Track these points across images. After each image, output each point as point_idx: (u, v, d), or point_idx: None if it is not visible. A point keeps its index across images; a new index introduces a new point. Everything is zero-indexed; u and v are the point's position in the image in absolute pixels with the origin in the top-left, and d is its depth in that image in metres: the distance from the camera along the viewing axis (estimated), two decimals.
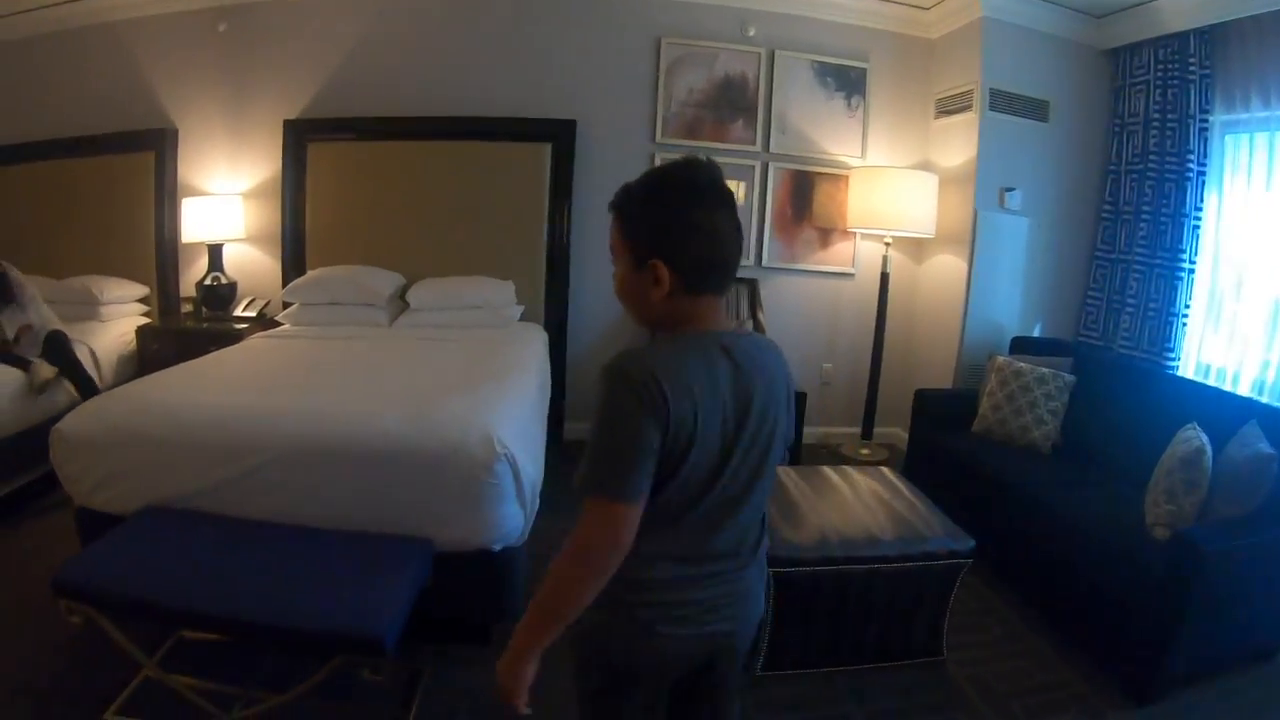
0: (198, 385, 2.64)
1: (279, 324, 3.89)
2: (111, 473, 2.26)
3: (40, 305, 3.59)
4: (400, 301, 4.00)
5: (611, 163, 4.11)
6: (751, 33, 4.18)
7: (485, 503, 2.11)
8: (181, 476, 2.20)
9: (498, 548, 2.18)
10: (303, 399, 2.44)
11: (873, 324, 4.24)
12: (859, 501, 2.53)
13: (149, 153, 4.33)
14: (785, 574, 2.19)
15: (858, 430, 4.37)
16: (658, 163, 3.70)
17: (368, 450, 2.14)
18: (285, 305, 3.98)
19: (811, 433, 4.47)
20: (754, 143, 4.25)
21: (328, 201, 4.26)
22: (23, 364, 3.29)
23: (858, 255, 4.43)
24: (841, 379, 4.54)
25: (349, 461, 2.14)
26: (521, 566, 2.31)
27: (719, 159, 3.31)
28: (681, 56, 4.17)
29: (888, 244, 4.13)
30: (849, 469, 2.82)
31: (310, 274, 4.07)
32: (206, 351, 3.32)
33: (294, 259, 4.27)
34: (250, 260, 4.39)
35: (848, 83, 4.27)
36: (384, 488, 2.14)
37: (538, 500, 2.42)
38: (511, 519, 2.18)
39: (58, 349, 3.43)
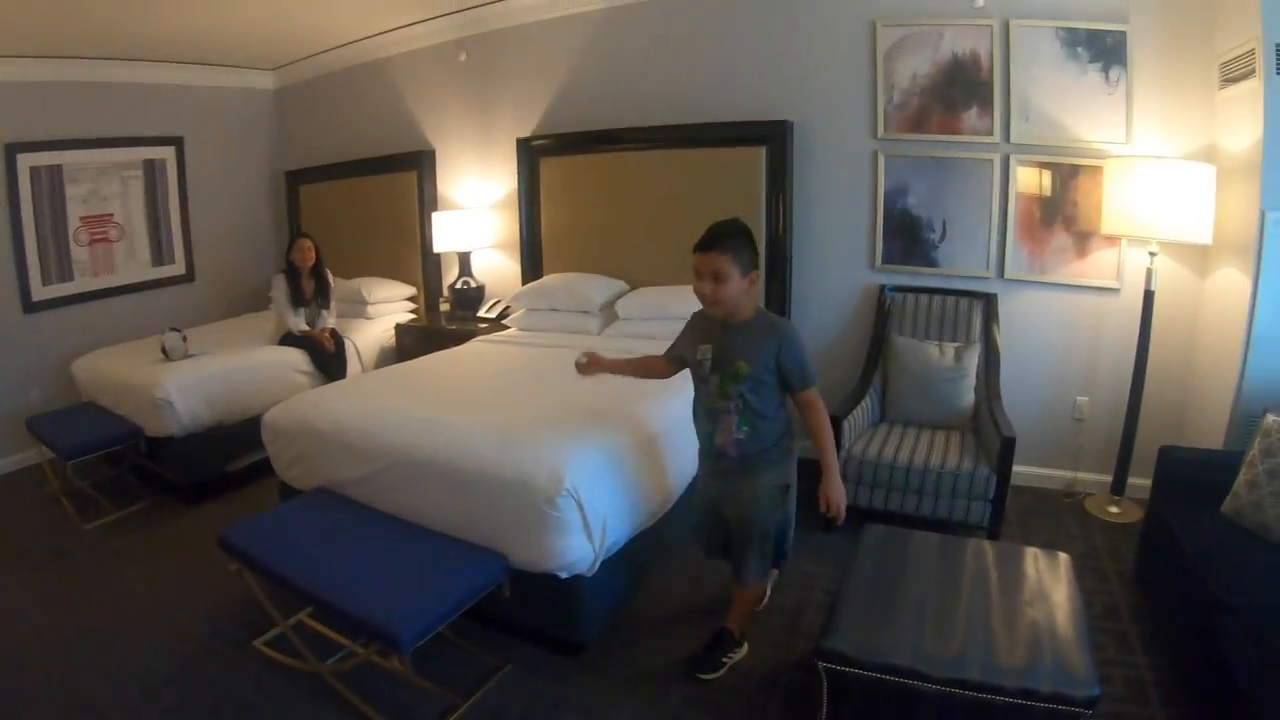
0: (377, 388, 3.76)
1: (507, 327, 5.01)
2: (298, 455, 3.48)
3: (335, 309, 5.27)
4: (613, 310, 4.80)
5: (829, 164, 4.45)
6: (980, 3, 3.99)
7: (549, 532, 2.59)
8: (338, 466, 3.25)
9: (564, 575, 2.66)
10: (430, 411, 3.22)
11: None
12: (986, 595, 2.35)
13: (413, 171, 5.80)
14: (837, 674, 2.11)
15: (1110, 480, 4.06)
16: (881, 164, 4.31)
17: (454, 467, 2.79)
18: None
19: (1055, 477, 4.27)
20: (991, 133, 4.09)
21: (558, 211, 5.27)
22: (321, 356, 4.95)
23: (1124, 266, 4.00)
24: (1100, 417, 4.14)
25: (442, 474, 2.82)
26: (594, 594, 2.77)
27: (951, 154, 4.15)
28: (901, 39, 4.19)
29: (1152, 253, 3.74)
30: (1021, 549, 2.69)
31: (536, 281, 5.13)
32: (445, 348, 4.65)
33: (532, 264, 5.40)
34: (498, 265, 5.65)
35: (1104, 51, 3.85)
36: (467, 502, 2.76)
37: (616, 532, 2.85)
38: (576, 551, 2.62)
39: (339, 349, 5.07)
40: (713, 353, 2.53)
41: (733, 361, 2.50)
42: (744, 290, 2.47)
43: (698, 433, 2.73)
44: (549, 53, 5.19)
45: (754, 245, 2.50)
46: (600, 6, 4.97)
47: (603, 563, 2.75)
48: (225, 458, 4.71)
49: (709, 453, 2.70)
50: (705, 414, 2.65)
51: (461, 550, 2.74)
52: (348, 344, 5.22)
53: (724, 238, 2.44)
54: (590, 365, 2.91)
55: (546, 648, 2.94)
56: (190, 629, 3.25)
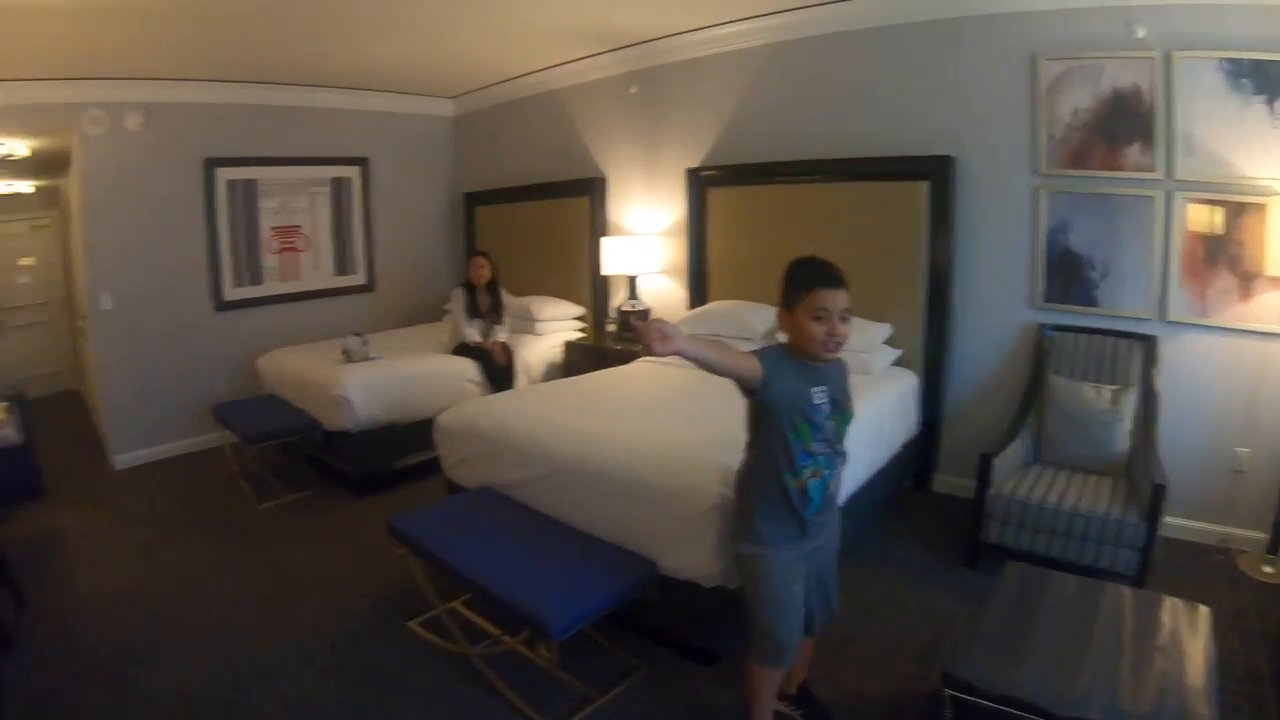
0: (543, 398, 4.16)
1: None
2: (465, 456, 3.94)
3: (509, 324, 5.83)
4: (775, 339, 5.18)
5: (990, 200, 4.55)
6: (1141, 34, 4.03)
7: (698, 543, 2.82)
8: (502, 469, 3.66)
9: (708, 585, 2.85)
10: (593, 423, 3.60)
11: None
12: (1118, 639, 2.42)
13: (585, 197, 6.37)
14: (962, 702, 2.25)
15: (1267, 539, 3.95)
16: (1042, 201, 4.45)
17: (613, 477, 3.12)
18: None
19: (1209, 531, 4.21)
20: (1153, 169, 4.10)
21: (724, 240, 5.66)
22: (491, 367, 5.52)
23: None
24: (1261, 470, 4.03)
25: (601, 482, 3.15)
26: (735, 608, 2.71)
27: (1113, 190, 4.28)
28: (1062, 73, 4.29)
29: None
30: (1161, 598, 2.70)
31: (702, 308, 5.51)
32: (609, 367, 5.10)
33: (698, 291, 5.81)
34: (665, 290, 6.09)
35: (1269, 82, 3.81)
36: (623, 509, 3.07)
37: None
38: (722, 562, 2.79)
39: (509, 361, 5.61)
40: (829, 396, 2.33)
41: (844, 405, 2.41)
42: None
43: (787, 491, 2.35)
44: (716, 86, 5.65)
45: None
46: (765, 42, 5.37)
47: None
48: (395, 455, 5.29)
49: (804, 512, 2.38)
50: (813, 464, 2.36)
51: (614, 553, 3.02)
52: (517, 357, 5.77)
53: (840, 275, 2.31)
54: (664, 341, 2.01)
55: (683, 655, 3.18)
56: (351, 605, 3.73)
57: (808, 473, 2.36)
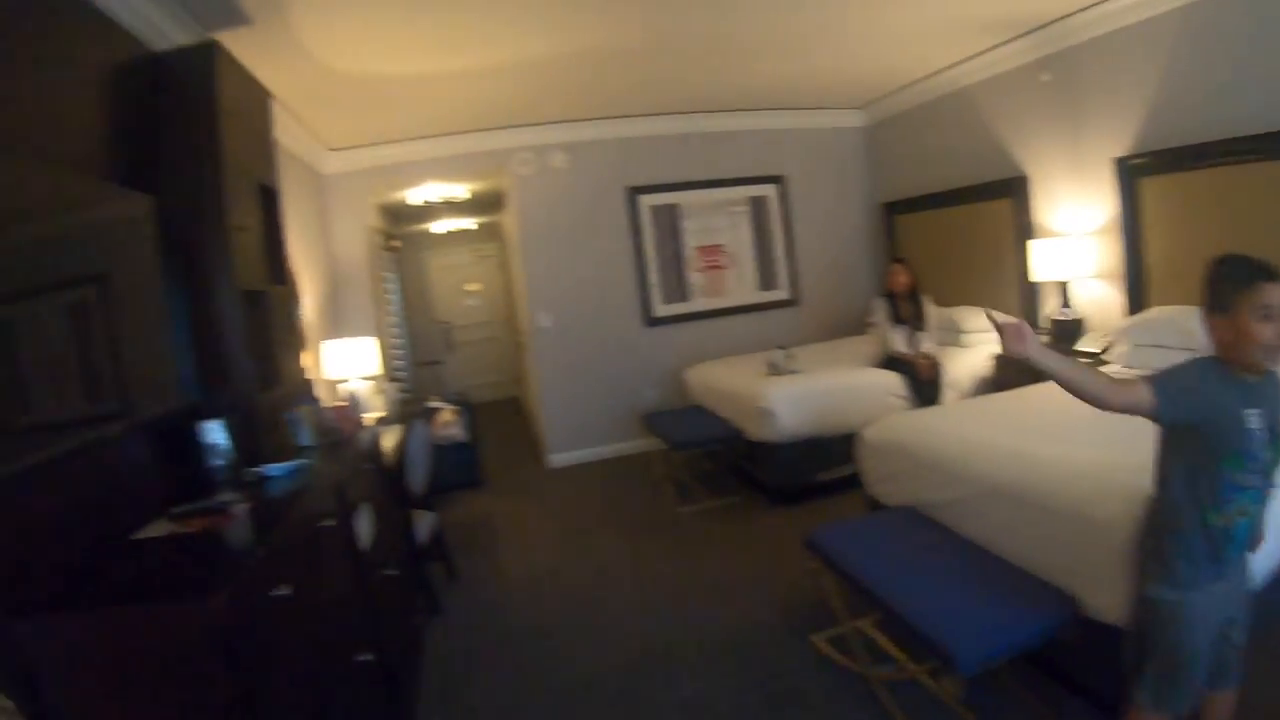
0: (971, 415, 4.00)
1: (1106, 362, 4.91)
2: (888, 473, 3.89)
3: (934, 335, 5.75)
4: None
5: None
6: None
7: (1128, 581, 2.44)
8: (926, 487, 3.56)
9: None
10: (1023, 443, 3.35)
11: None
12: None
13: (1006, 199, 6.10)
14: None
15: None
16: None
17: (1041, 502, 2.89)
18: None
19: None
20: None
21: (1162, 236, 5.08)
22: (917, 380, 5.46)
23: None
24: None
25: (1028, 507, 2.93)
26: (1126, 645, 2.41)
27: None
28: None
29: None
30: None
31: (1142, 314, 4.98)
32: (1041, 381, 4.73)
33: (1135, 296, 5.24)
34: (1099, 295, 5.58)
35: None
36: (1049, 538, 2.83)
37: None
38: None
39: (935, 374, 5.52)
40: (1263, 418, 2.06)
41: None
42: None
43: (1209, 529, 2.11)
44: (1134, 61, 5.05)
45: None
46: (1180, 4, 4.67)
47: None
48: (816, 467, 5.42)
49: (1225, 552, 2.14)
50: (1241, 499, 2.10)
51: (1036, 586, 2.78)
52: (944, 372, 5.65)
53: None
54: (1019, 341, 2.10)
55: (1100, 708, 2.83)
56: (758, 613, 3.87)
57: (1234, 509, 2.10)
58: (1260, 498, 2.13)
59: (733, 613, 3.91)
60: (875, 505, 4.10)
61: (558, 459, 7.14)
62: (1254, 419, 2.05)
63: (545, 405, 7.17)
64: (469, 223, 10.28)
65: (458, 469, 6.56)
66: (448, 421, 6.54)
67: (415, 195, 7.63)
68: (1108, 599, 2.60)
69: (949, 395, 5.58)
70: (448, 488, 6.30)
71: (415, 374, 9.15)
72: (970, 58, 6.20)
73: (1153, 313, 4.91)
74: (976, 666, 2.43)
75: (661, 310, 7.25)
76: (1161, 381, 2.08)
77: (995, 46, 5.93)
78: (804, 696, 3.14)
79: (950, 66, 6.42)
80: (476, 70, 4.91)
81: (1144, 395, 2.06)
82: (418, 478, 4.33)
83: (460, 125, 6.47)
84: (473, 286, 11.43)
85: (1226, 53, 4.51)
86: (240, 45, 3.24)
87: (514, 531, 5.53)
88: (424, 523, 4.36)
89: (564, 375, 7.09)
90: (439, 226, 10.25)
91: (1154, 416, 2.08)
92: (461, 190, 7.84)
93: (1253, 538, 2.18)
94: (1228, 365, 2.08)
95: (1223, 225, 4.62)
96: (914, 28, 5.27)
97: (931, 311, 5.88)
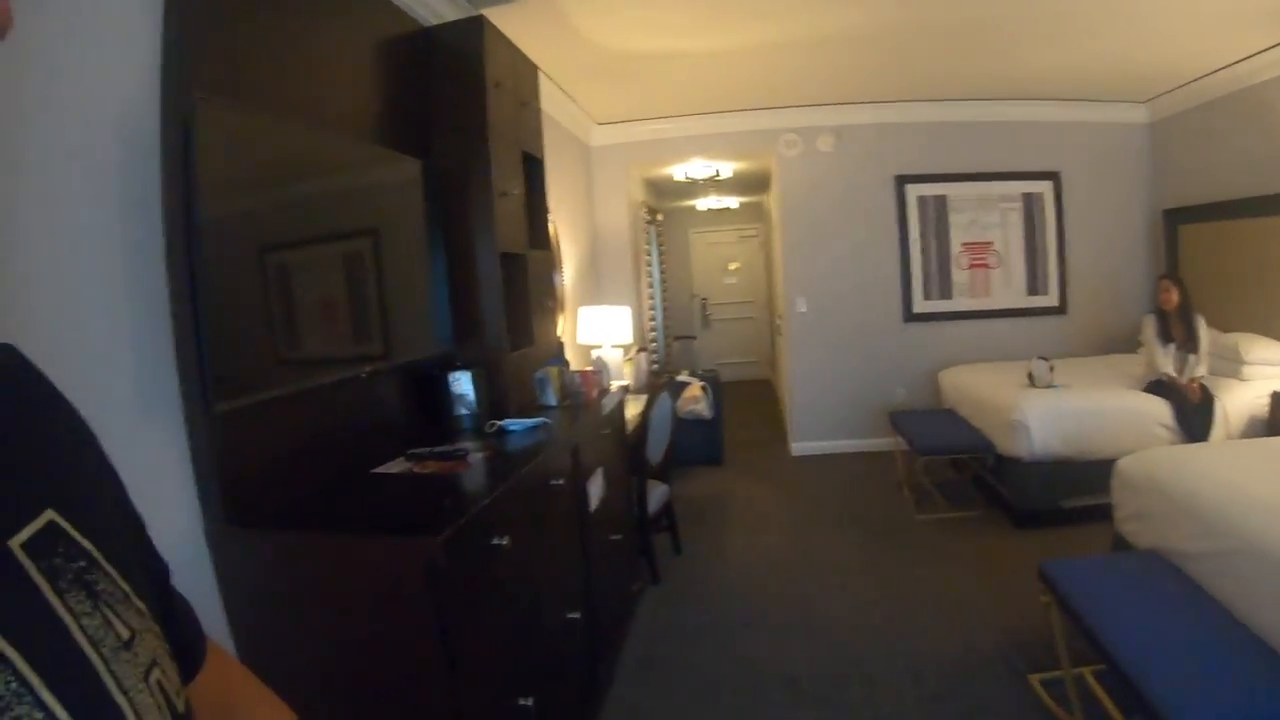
0: (1241, 459, 3.50)
1: None
2: (1140, 510, 3.46)
3: (1205, 359, 5.11)
4: None
5: None
6: None
7: None
8: (1178, 534, 3.12)
9: None
10: None
11: None
12: None
13: None
14: None
15: None
16: None
17: None
18: None
19: None
20: None
21: None
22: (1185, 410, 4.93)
23: None
24: None
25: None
26: None
27: None
28: None
29: None
30: None
31: None
32: None
33: None
34: None
35: None
36: None
37: None
38: None
39: (1206, 403, 4.94)
40: None
41: None
42: None
43: None
44: None
45: None
46: None
47: None
48: (1065, 492, 5.03)
49: None
50: None
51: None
52: (1216, 403, 5.06)
53: None
54: None
55: None
56: (975, 638, 3.62)
57: None
58: None
59: (951, 634, 3.72)
60: (1120, 544, 3.74)
61: (800, 447, 7.10)
62: None
63: (794, 391, 7.14)
64: (732, 201, 10.38)
65: (699, 445, 6.66)
66: (694, 397, 6.65)
67: (679, 171, 7.78)
68: None
69: (1219, 432, 4.95)
70: (686, 462, 6.44)
71: (668, 347, 9.38)
72: (1265, 50, 5.43)
73: None
74: None
75: (921, 306, 6.96)
76: None
77: None
78: None
79: (1248, 57, 5.62)
80: (741, 49, 4.92)
81: None
82: (656, 449, 4.45)
83: (725, 104, 6.50)
84: (733, 265, 11.55)
85: None
86: (508, 21, 3.41)
87: (745, 514, 5.57)
88: (656, 493, 4.48)
89: (815, 363, 7.01)
90: (702, 203, 10.41)
91: None
92: (725, 168, 7.90)
93: None
94: None
95: None
96: (1210, 13, 4.68)
97: (1205, 334, 5.17)
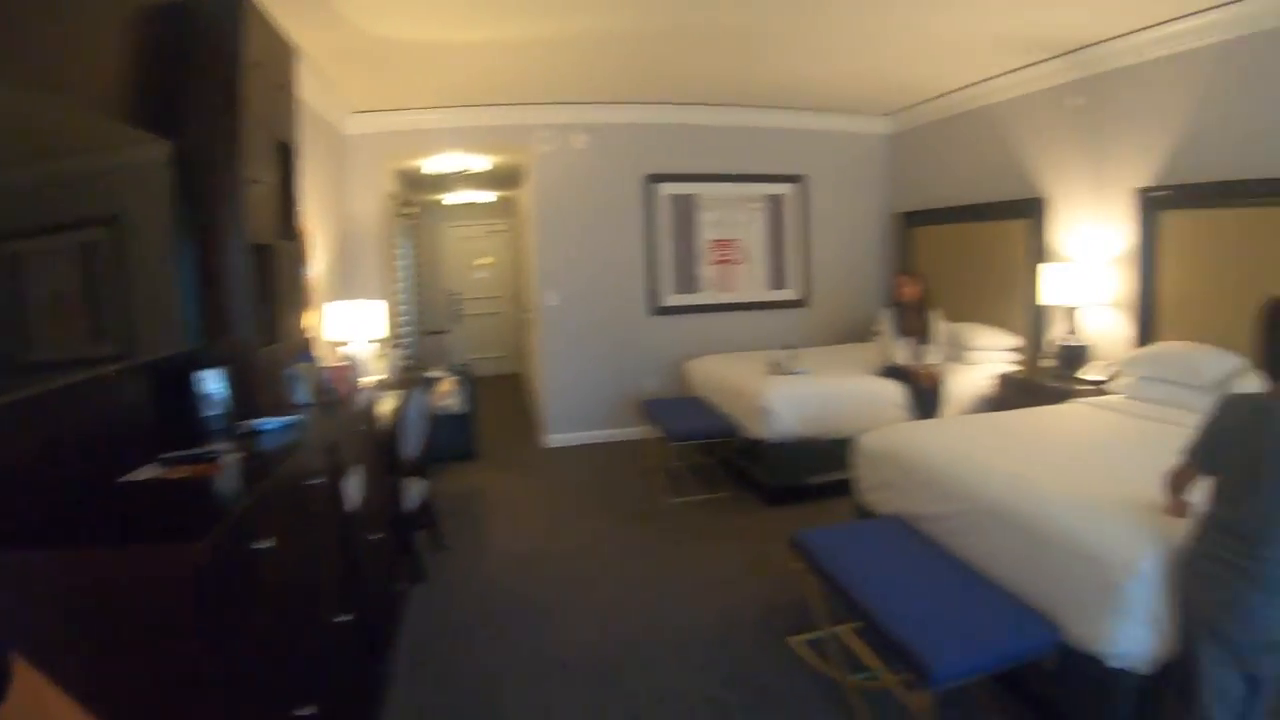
0: (969, 432, 3.99)
1: (1107, 392, 4.93)
2: (880, 481, 3.90)
3: (941, 349, 5.74)
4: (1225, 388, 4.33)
5: None
6: None
7: (1111, 613, 2.50)
8: (916, 500, 3.57)
9: (1111, 664, 2.53)
10: (1018, 465, 3.34)
11: None
12: None
13: (1022, 220, 6.07)
14: None
15: None
16: None
17: (1029, 526, 2.88)
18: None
19: None
20: None
21: (1178, 271, 5.03)
22: (917, 391, 5.48)
23: None
24: None
25: (1016, 530, 2.94)
26: (1145, 695, 2.55)
27: None
28: None
29: None
30: None
31: (1150, 347, 4.97)
32: (1040, 404, 4.84)
33: (1146, 328, 5.20)
34: (1107, 324, 5.56)
35: None
36: (1034, 562, 2.83)
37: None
38: (1135, 642, 2.49)
39: (936, 387, 5.52)
40: None
41: None
42: None
43: (1257, 576, 2.10)
44: (1166, 93, 5.03)
45: None
46: (1219, 39, 4.66)
47: (1167, 665, 2.53)
48: (810, 470, 5.44)
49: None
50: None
51: (1017, 608, 2.78)
52: (944, 385, 5.65)
53: None
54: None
55: None
56: (738, 610, 3.88)
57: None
58: None
59: (714, 607, 3.92)
60: (865, 513, 4.11)
61: (554, 439, 7.17)
62: None
63: (545, 384, 7.19)
64: (486, 195, 10.28)
65: (453, 440, 6.60)
66: (447, 391, 6.56)
67: (434, 164, 7.63)
68: (1092, 629, 2.59)
69: (949, 410, 5.57)
70: (442, 458, 6.33)
71: (420, 342, 9.18)
72: (1001, 75, 6.17)
73: (1161, 347, 4.90)
74: (949, 681, 2.44)
75: (670, 299, 7.27)
76: (1188, 453, 2.30)
77: (1027, 66, 5.91)
78: (776, 697, 3.15)
79: (980, 82, 6.40)
80: (504, 43, 4.90)
81: (1190, 473, 2.33)
82: (411, 445, 4.34)
83: (484, 97, 6.47)
84: (484, 260, 11.47)
85: (1260, 94, 4.49)
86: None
87: (504, 507, 5.58)
88: (414, 490, 4.37)
89: (566, 356, 7.11)
90: (456, 197, 10.25)
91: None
92: (481, 162, 7.84)
93: None
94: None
95: (1242, 266, 4.60)
96: (949, 40, 5.24)
97: (939, 325, 5.85)
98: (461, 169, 7.73)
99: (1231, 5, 4.45)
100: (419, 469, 4.62)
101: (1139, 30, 4.99)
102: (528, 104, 6.73)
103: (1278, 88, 4.41)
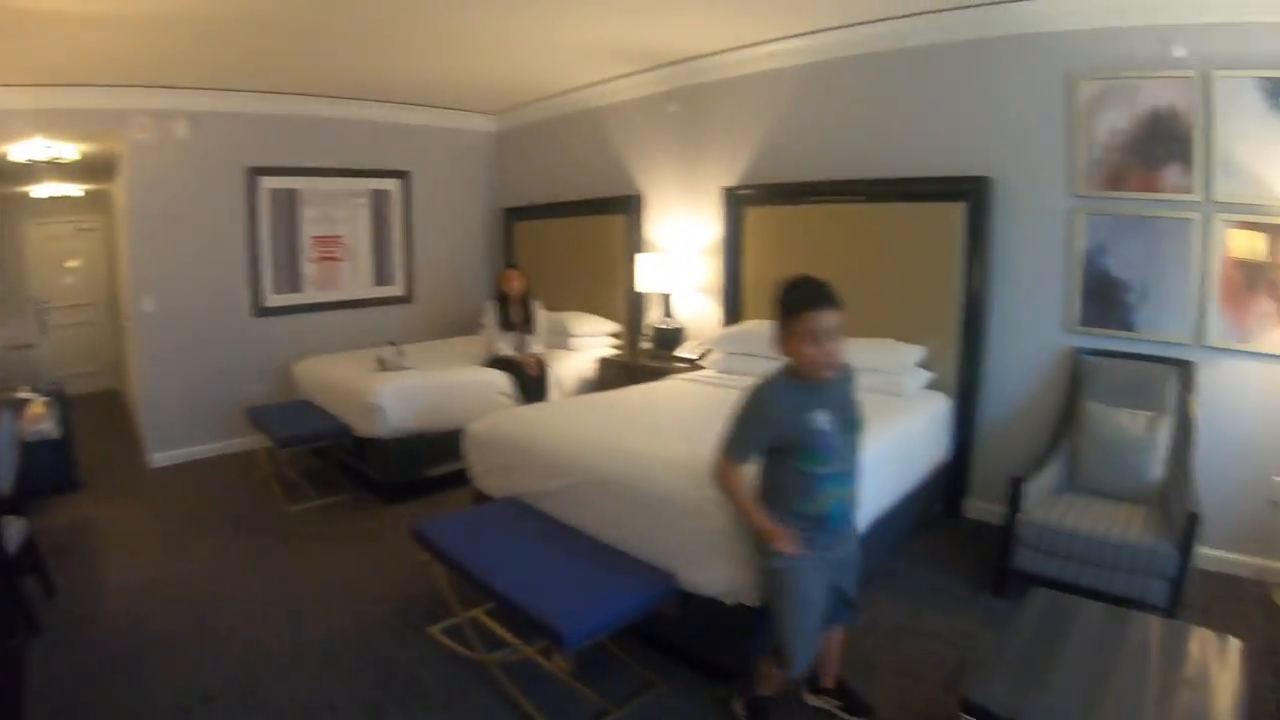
0: (574, 411, 4.20)
1: (703, 368, 5.43)
2: (494, 465, 4.01)
3: (544, 338, 5.95)
4: None
5: (1026, 222, 4.57)
6: (1179, 54, 4.02)
7: (717, 559, 2.85)
8: (530, 479, 3.71)
9: (729, 602, 2.86)
10: (621, 437, 3.62)
11: None
12: (1143, 669, 2.41)
13: (621, 215, 6.46)
14: None
15: None
16: (1080, 223, 4.42)
17: (637, 490, 3.15)
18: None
19: (1244, 564, 4.14)
20: (1191, 191, 4.06)
21: (760, 259, 5.70)
22: (524, 380, 5.64)
23: None
24: None
25: (625, 495, 3.18)
26: (755, 624, 2.83)
27: (1151, 212, 4.22)
28: (1098, 94, 4.28)
29: None
30: (1189, 628, 2.69)
31: (735, 326, 5.56)
32: (642, 383, 5.16)
33: (733, 309, 5.85)
34: (699, 308, 6.15)
35: None
36: (645, 522, 3.10)
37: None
38: (740, 580, 2.80)
39: (542, 374, 5.72)
40: (833, 413, 2.41)
41: (852, 415, 2.48)
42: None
43: (806, 512, 2.48)
44: (754, 105, 5.71)
45: None
46: (802, 62, 5.41)
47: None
48: (426, 463, 5.40)
49: (828, 526, 2.50)
50: (828, 485, 2.45)
51: (636, 566, 3.05)
52: (550, 372, 5.86)
53: (837, 295, 2.38)
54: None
55: (700, 672, 3.18)
56: (374, 609, 3.82)
57: (824, 497, 2.44)
58: (845, 479, 2.47)
59: (349, 611, 3.82)
60: (483, 499, 4.15)
61: (161, 457, 6.48)
62: (821, 419, 2.37)
63: (146, 399, 6.48)
64: (75, 189, 9.08)
65: (50, 469, 5.68)
66: (38, 415, 5.71)
67: (18, 152, 6.57)
68: (703, 574, 2.91)
69: (555, 394, 5.80)
70: (39, 491, 5.43)
71: (2, 359, 7.96)
72: (605, 81, 6.52)
73: (746, 325, 5.49)
74: (581, 642, 2.59)
75: (272, 300, 6.84)
76: (733, 448, 2.48)
77: (629, 74, 6.29)
78: (426, 688, 3.16)
79: (585, 86, 6.71)
80: (97, 16, 4.31)
81: (738, 469, 2.50)
82: (2, 479, 3.74)
83: (74, 76, 5.66)
84: (72, 263, 10.18)
85: (827, 111, 5.37)
86: None
87: (116, 538, 4.94)
88: (13, 530, 3.72)
89: (167, 366, 6.44)
90: (42, 190, 8.95)
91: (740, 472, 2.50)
92: (70, 150, 6.87)
93: (845, 513, 2.53)
94: (796, 374, 2.40)
95: (807, 252, 5.34)
96: (558, 46, 5.43)
97: (542, 316, 6.10)
98: (50, 157, 6.73)
99: (811, 35, 5.19)
100: (14, 506, 3.96)
101: (734, 49, 5.58)
102: (123, 86, 6.00)
103: (840, 107, 5.31)
